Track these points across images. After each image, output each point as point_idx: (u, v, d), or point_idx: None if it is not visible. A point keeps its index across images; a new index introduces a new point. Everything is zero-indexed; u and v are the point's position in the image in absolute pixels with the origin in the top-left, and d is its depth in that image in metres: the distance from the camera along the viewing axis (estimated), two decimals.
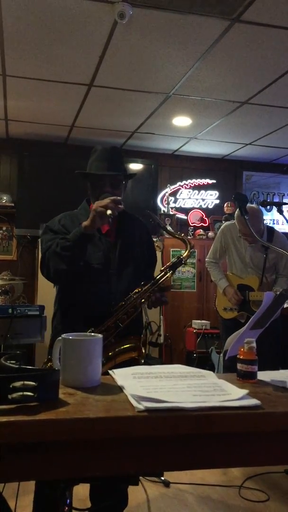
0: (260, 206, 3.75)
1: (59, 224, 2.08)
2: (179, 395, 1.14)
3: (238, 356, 1.37)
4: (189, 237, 5.44)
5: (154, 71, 3.83)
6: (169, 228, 4.24)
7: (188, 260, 2.08)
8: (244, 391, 1.18)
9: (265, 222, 3.99)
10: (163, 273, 2.00)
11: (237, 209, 3.50)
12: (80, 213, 2.13)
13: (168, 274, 1.99)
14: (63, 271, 1.93)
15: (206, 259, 4.01)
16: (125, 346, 1.88)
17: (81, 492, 2.04)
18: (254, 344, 1.35)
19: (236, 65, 3.69)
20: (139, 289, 1.95)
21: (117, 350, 1.86)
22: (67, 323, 2.01)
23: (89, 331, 1.80)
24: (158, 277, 1.99)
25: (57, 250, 1.92)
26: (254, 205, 3.72)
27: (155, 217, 2.14)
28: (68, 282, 2.04)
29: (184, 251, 2.06)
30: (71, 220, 2.09)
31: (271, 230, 3.78)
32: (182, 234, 2.17)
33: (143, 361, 1.83)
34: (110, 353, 1.85)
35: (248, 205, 3.20)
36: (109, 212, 1.87)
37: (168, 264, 2.03)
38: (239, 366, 1.36)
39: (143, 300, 1.94)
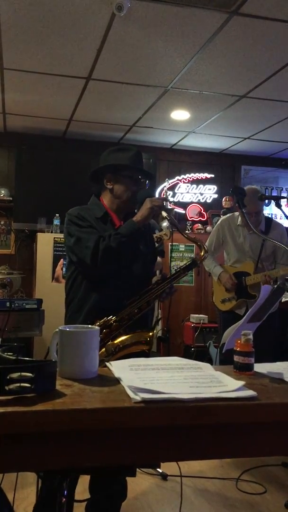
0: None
1: (84, 219, 2.13)
2: (176, 387, 1.14)
3: (235, 348, 1.38)
4: (187, 231, 5.44)
5: (152, 64, 3.82)
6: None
7: (186, 255, 2.13)
8: (240, 383, 1.18)
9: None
10: (178, 273, 2.07)
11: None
12: (92, 208, 2.21)
13: (182, 274, 2.08)
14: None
15: None
16: (135, 339, 1.93)
17: (80, 484, 2.05)
18: (251, 336, 1.35)
19: (235, 58, 3.67)
20: (153, 286, 2.03)
21: (128, 342, 1.91)
22: (79, 315, 2.07)
23: (102, 320, 1.91)
24: (173, 276, 2.06)
25: (113, 245, 2.00)
26: (253, 186, 3.72)
27: (171, 218, 2.15)
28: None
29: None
30: (87, 213, 2.16)
31: (269, 219, 3.78)
32: (198, 239, 2.19)
33: (150, 354, 1.87)
34: (120, 344, 1.90)
35: (248, 186, 3.25)
36: (165, 214, 2.02)
37: (182, 265, 2.11)
38: (236, 358, 1.37)
39: (155, 296, 2.01)
